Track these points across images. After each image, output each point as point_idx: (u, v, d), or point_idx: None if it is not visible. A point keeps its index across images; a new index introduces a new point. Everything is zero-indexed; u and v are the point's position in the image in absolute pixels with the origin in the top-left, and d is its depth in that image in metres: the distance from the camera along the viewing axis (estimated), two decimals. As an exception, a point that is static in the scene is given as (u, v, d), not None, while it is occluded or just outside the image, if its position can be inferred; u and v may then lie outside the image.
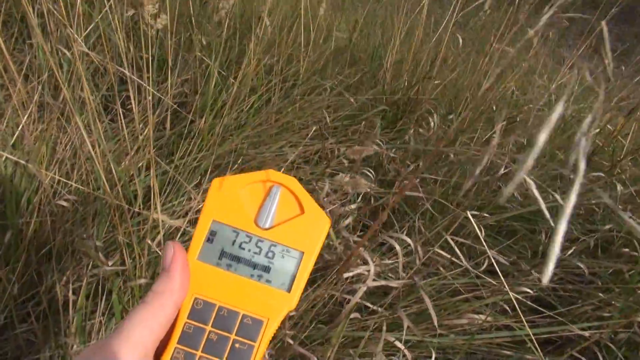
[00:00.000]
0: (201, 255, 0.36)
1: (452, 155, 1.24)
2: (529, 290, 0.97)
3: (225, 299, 0.36)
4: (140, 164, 1.25)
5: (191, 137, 1.28)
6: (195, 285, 0.36)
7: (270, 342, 0.39)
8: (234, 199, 0.37)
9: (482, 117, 1.51)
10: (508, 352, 1.10)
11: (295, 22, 1.64)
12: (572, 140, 1.98)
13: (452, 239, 1.22)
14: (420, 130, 1.49)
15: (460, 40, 1.42)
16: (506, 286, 0.95)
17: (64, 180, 0.95)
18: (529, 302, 1.06)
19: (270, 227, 0.37)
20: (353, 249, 1.16)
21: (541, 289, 1.11)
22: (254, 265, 0.37)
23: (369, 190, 0.83)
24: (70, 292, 1.02)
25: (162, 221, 0.94)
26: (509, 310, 1.17)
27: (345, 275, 1.06)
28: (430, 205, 1.19)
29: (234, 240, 0.37)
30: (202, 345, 0.35)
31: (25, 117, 1.17)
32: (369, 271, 1.06)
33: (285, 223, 0.37)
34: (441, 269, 1.16)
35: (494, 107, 1.76)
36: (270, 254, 0.37)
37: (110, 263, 0.96)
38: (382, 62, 1.86)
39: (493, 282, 1.02)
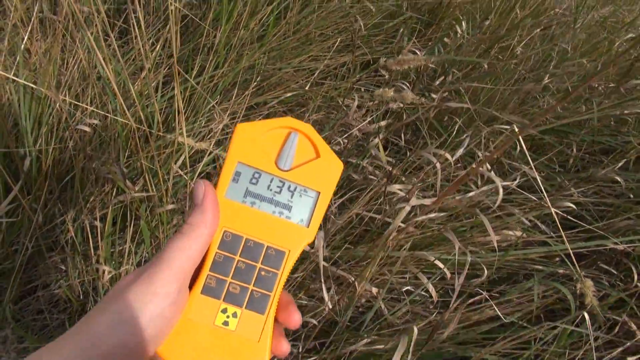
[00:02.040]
0: (228, 193, 0.39)
1: (485, 66, 1.16)
2: (571, 204, 0.94)
3: (251, 232, 0.39)
4: (154, 82, 1.17)
5: (206, 52, 1.19)
6: (224, 219, 0.39)
7: (291, 271, 0.41)
8: (257, 143, 0.40)
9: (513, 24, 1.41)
10: (540, 267, 1.10)
11: None
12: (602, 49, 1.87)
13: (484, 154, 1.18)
14: (447, 40, 1.39)
15: None
16: (547, 201, 0.92)
17: (79, 105, 0.89)
18: (568, 217, 1.04)
19: (290, 169, 0.40)
20: (384, 169, 1.12)
21: (577, 203, 1.08)
22: (276, 203, 0.40)
23: (409, 103, 0.77)
24: (98, 219, 1.00)
25: (188, 145, 0.88)
26: (540, 226, 1.15)
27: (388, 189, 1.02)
28: (462, 119, 1.13)
29: (257, 181, 0.40)
30: (231, 272, 0.38)
31: (26, 35, 1.08)
32: (403, 190, 1.03)
33: (303, 166, 0.41)
34: (472, 186, 1.12)
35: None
36: (290, 194, 0.40)
37: (135, 189, 0.92)
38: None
39: (532, 197, 0.99)
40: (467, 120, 1.22)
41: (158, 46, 1.21)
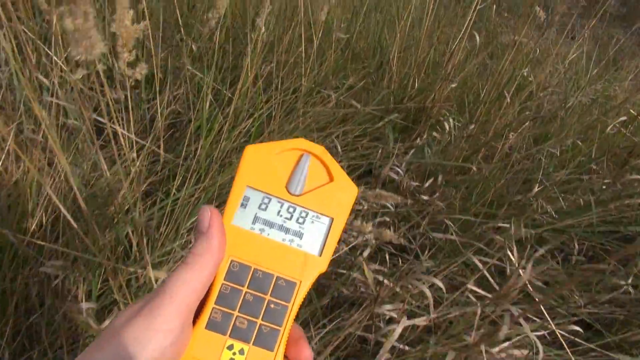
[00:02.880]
0: (236, 219, 0.37)
1: (474, 168, 1.13)
2: (577, 328, 0.87)
3: (260, 261, 0.37)
4: (135, 197, 1.14)
5: (188, 164, 1.16)
6: (231, 248, 0.36)
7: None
8: (266, 166, 0.38)
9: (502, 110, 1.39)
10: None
11: (292, 24, 1.51)
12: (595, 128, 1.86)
13: (480, 260, 1.12)
14: (436, 135, 1.37)
15: (478, 38, 1.29)
16: (551, 323, 0.84)
17: (48, 246, 0.84)
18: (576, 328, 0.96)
19: (301, 193, 0.38)
20: (376, 283, 1.05)
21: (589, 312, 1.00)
22: (286, 230, 0.38)
23: (387, 241, 0.72)
24: (66, 354, 0.93)
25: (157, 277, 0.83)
26: (547, 336, 1.07)
27: (377, 311, 0.96)
28: (455, 224, 1.08)
29: (267, 206, 0.38)
30: (239, 305, 0.36)
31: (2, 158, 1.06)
32: (397, 309, 0.96)
33: (315, 190, 0.39)
34: (471, 297, 1.05)
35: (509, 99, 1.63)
36: (301, 220, 0.38)
37: (104, 325, 0.86)
38: (387, 58, 1.73)
39: (535, 317, 0.91)
40: (462, 227, 1.17)
41: (142, 156, 1.19)
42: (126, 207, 1.15)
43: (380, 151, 1.19)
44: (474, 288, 0.91)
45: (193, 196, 1.08)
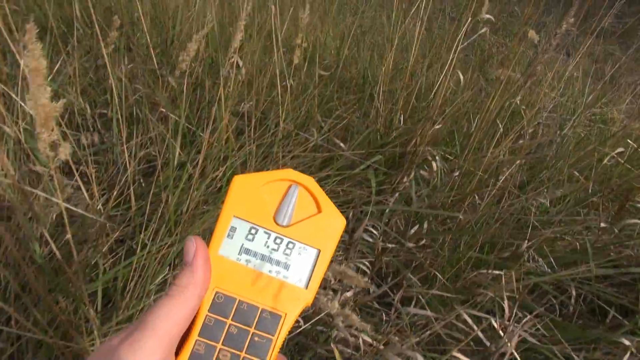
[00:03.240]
0: (222, 250, 0.37)
1: (461, 217, 1.06)
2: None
3: (245, 293, 0.36)
4: (100, 253, 1.07)
5: (157, 215, 1.10)
6: (216, 279, 0.36)
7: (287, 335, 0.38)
8: (254, 197, 0.38)
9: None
10: None
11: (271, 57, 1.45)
12: (590, 157, 1.79)
13: (468, 313, 1.05)
14: (423, 172, 1.30)
15: (462, 77, 1.23)
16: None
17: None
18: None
19: (289, 224, 0.38)
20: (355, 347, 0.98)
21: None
22: (273, 262, 0.37)
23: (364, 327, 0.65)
24: None
25: None
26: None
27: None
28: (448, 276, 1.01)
29: (254, 237, 0.38)
30: (222, 338, 0.35)
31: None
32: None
33: (303, 221, 0.38)
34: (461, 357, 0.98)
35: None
36: (288, 251, 0.38)
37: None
38: (375, 89, 1.67)
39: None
40: (454, 276, 1.09)
41: (107, 207, 1.12)
42: (92, 262, 1.08)
43: (359, 205, 1.12)
44: (460, 356, 0.83)
45: (159, 252, 1.01)
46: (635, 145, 1.62)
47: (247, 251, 0.37)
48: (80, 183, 1.10)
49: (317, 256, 0.38)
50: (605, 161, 1.54)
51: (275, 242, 0.38)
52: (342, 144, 1.33)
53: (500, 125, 1.68)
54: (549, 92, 2.63)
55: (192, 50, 1.14)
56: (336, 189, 1.17)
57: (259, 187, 0.38)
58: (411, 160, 1.24)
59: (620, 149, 1.52)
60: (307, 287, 0.37)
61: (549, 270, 1.08)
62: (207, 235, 1.13)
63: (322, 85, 2.07)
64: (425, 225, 1.10)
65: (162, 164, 1.21)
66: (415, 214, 1.13)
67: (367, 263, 1.00)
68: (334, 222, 0.39)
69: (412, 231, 1.11)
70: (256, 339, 0.36)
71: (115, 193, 1.19)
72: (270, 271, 0.37)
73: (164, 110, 1.22)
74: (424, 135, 1.20)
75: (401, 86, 1.41)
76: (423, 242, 1.11)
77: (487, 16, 1.20)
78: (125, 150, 1.06)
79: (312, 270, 0.38)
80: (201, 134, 1.25)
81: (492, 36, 3.97)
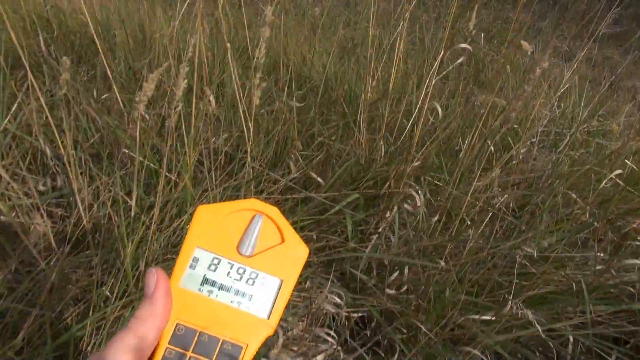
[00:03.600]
0: (184, 281, 0.37)
1: (442, 263, 0.97)
2: None
3: (206, 324, 0.36)
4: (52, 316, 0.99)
5: (115, 270, 1.01)
6: (177, 310, 0.36)
7: None
8: (218, 227, 0.38)
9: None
10: None
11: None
12: (587, 178, 1.70)
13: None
14: (408, 207, 1.22)
15: (439, 110, 1.15)
16: None
17: None
18: None
19: (252, 255, 0.38)
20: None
21: None
22: (235, 292, 0.37)
23: None
24: None
25: None
26: None
27: None
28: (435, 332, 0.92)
29: (216, 267, 0.37)
30: None
31: None
32: None
33: (266, 251, 0.38)
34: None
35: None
36: (250, 281, 0.38)
37: None
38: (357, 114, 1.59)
39: None
40: (440, 320, 1.01)
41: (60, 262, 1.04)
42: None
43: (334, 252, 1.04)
44: None
45: (114, 314, 0.93)
46: (634, 166, 1.53)
47: (210, 282, 0.37)
48: (41, 228, 1.03)
49: (280, 286, 0.38)
50: (603, 184, 1.45)
51: (238, 272, 0.37)
52: (319, 179, 1.25)
53: (491, 146, 1.60)
54: (545, 102, 2.55)
55: (149, 90, 1.06)
56: (309, 234, 1.09)
57: (223, 217, 0.38)
58: (389, 196, 1.16)
59: (618, 171, 1.43)
60: (269, 317, 0.37)
61: (542, 320, 0.99)
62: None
63: (306, 109, 1.99)
64: (407, 271, 1.02)
65: (123, 210, 1.13)
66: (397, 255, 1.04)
67: (332, 333, 0.91)
68: (296, 252, 0.39)
69: (392, 277, 1.03)
70: None
71: (73, 241, 1.12)
72: (232, 302, 0.37)
73: (126, 151, 1.15)
74: (402, 174, 1.12)
75: (382, 113, 1.32)
76: (405, 288, 1.03)
77: (464, 45, 1.12)
78: (78, 201, 0.98)
79: (275, 300, 0.37)
80: (167, 175, 1.18)
81: (486, 44, 3.89)
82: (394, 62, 1.41)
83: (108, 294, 1.02)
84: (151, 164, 1.15)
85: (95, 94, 1.60)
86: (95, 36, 1.17)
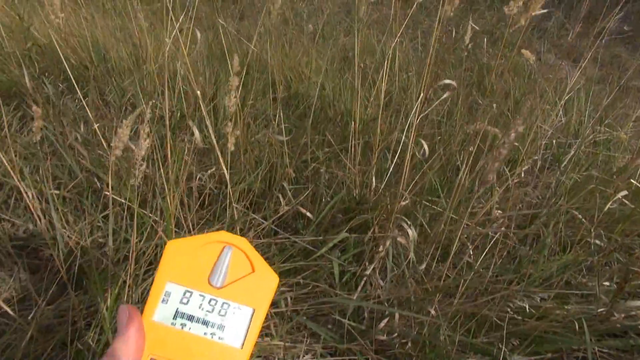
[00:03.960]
0: (156, 315, 0.37)
1: (432, 312, 0.92)
2: None
3: (180, 357, 0.36)
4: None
5: (95, 324, 0.98)
6: (150, 345, 0.36)
7: None
8: (188, 260, 0.38)
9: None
10: None
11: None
12: (593, 196, 1.63)
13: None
14: (401, 240, 1.17)
15: (426, 148, 1.10)
16: None
17: None
18: None
19: (223, 286, 0.38)
20: None
21: None
22: (208, 324, 0.37)
23: None
24: None
25: None
26: None
27: None
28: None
29: (188, 300, 0.37)
30: None
31: None
32: None
33: (237, 282, 0.39)
34: None
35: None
36: (222, 312, 0.38)
37: None
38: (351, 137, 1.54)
39: None
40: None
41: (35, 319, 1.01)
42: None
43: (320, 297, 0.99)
44: None
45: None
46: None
47: (182, 315, 0.37)
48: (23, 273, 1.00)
49: (252, 315, 0.38)
50: (608, 205, 1.39)
51: (210, 304, 0.38)
52: (309, 214, 1.21)
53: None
54: (550, 108, 2.48)
55: (124, 136, 1.03)
56: (290, 281, 1.04)
57: (193, 251, 0.39)
58: (381, 230, 1.11)
59: (623, 192, 1.36)
60: (242, 346, 0.37)
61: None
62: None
63: (301, 130, 1.95)
64: (397, 317, 0.97)
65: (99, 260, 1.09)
66: (386, 302, 0.99)
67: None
68: (267, 281, 0.39)
69: (383, 324, 0.98)
70: None
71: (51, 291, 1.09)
72: (205, 333, 0.37)
73: (107, 193, 1.11)
74: (391, 211, 1.07)
75: (375, 141, 1.28)
76: (395, 334, 0.98)
77: (449, 81, 1.07)
78: (57, 249, 0.95)
79: (247, 329, 0.37)
80: (150, 216, 1.14)
81: (490, 47, 3.81)
82: (380, 84, 1.36)
83: (90, 342, 0.99)
84: (132, 205, 1.12)
85: (81, 126, 1.57)
86: (88, 60, 1.13)
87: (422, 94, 0.93)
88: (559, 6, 4.69)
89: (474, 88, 3.09)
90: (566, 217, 1.53)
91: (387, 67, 1.29)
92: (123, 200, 1.13)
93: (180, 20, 1.25)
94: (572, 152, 1.84)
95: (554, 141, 2.07)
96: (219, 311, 0.38)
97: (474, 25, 1.52)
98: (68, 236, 1.12)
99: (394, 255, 1.17)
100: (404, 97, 2.43)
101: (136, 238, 1.14)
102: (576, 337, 1.00)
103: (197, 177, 1.24)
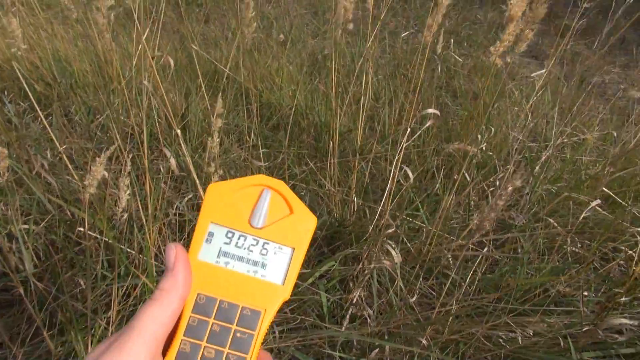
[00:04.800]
0: (201, 254, 0.38)
1: (424, 342, 0.92)
2: None
3: (225, 293, 0.38)
4: None
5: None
6: (197, 282, 0.37)
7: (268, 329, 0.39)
8: (229, 202, 0.40)
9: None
10: None
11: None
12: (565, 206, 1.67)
13: None
14: (385, 262, 1.16)
15: (410, 175, 1.10)
16: None
17: None
18: None
19: (263, 226, 0.40)
20: None
21: None
22: (250, 262, 0.39)
23: None
24: None
25: None
26: None
27: None
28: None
29: (231, 240, 0.39)
30: (206, 336, 0.36)
31: None
32: None
33: (276, 223, 0.40)
34: None
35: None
36: (264, 251, 0.39)
37: None
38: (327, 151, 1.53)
39: None
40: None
41: None
42: None
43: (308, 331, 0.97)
44: None
45: None
46: (612, 193, 1.50)
47: (226, 254, 0.39)
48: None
49: (292, 254, 0.39)
50: (584, 214, 1.42)
51: (251, 243, 0.39)
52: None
53: (467, 178, 1.56)
54: (519, 109, 2.52)
55: (98, 174, 0.98)
56: (278, 314, 1.02)
57: (233, 194, 0.40)
58: (367, 257, 1.10)
59: (597, 202, 1.40)
60: (283, 283, 0.38)
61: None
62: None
63: (276, 143, 1.92)
64: (387, 348, 0.96)
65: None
66: (377, 333, 0.99)
67: None
68: (305, 222, 0.40)
69: (373, 354, 0.97)
70: (238, 335, 0.37)
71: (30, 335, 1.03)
72: (248, 271, 0.38)
73: (81, 229, 1.07)
74: (376, 238, 1.06)
75: (354, 163, 1.26)
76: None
77: (432, 111, 1.06)
78: (29, 292, 0.90)
79: (288, 268, 0.39)
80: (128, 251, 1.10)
81: (456, 47, 3.86)
82: (362, 99, 1.35)
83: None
84: (109, 240, 1.08)
85: (48, 152, 1.51)
86: (50, 77, 1.08)
87: (406, 126, 0.92)
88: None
89: (443, 90, 3.12)
90: (541, 224, 1.56)
91: (363, 82, 1.28)
92: (98, 236, 1.09)
93: (147, 31, 1.21)
94: (543, 158, 1.87)
95: (524, 146, 2.10)
96: (260, 250, 0.39)
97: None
98: (39, 277, 1.07)
99: (379, 276, 1.16)
100: (376, 105, 2.44)
101: (115, 280, 1.10)
102: (562, 353, 1.02)
103: (175, 206, 1.20)
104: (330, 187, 1.31)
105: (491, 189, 1.72)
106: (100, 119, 1.81)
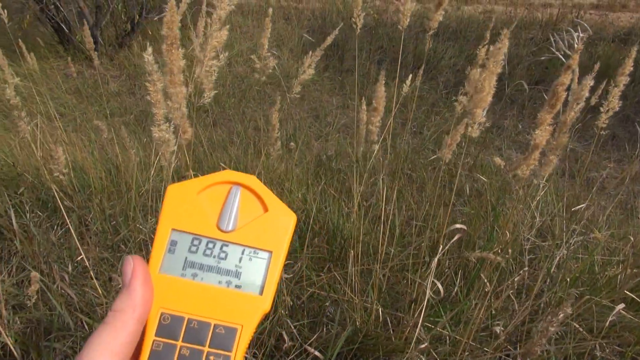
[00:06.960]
0: (163, 267, 0.34)
1: None
2: None
3: (194, 310, 0.33)
4: None
5: None
6: (160, 299, 0.33)
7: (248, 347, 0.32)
8: (193, 205, 0.35)
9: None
10: None
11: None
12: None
13: None
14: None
15: (441, 289, 1.11)
16: None
17: None
18: None
19: (234, 229, 0.35)
20: None
21: None
22: (222, 272, 0.34)
23: None
24: None
25: None
26: None
27: None
28: None
29: (197, 248, 0.35)
30: None
31: None
32: None
33: (250, 224, 0.35)
34: None
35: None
36: (237, 258, 0.35)
37: None
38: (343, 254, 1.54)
39: None
40: None
41: None
42: None
43: None
44: None
45: None
46: (635, 297, 1.49)
47: (192, 264, 0.34)
48: None
49: (270, 258, 0.35)
50: (610, 318, 1.39)
51: (222, 250, 0.35)
52: (317, 354, 1.16)
53: (488, 284, 1.55)
54: (524, 208, 2.56)
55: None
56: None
57: (197, 194, 0.35)
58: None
59: (621, 305, 1.38)
60: (262, 293, 0.34)
61: None
62: None
63: (290, 249, 1.93)
64: None
65: None
66: None
67: None
68: (283, 220, 0.36)
69: None
70: (212, 357, 0.32)
71: None
72: (220, 282, 0.34)
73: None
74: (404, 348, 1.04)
75: (376, 275, 1.27)
76: None
77: (460, 226, 1.10)
78: None
79: (266, 275, 0.34)
80: None
81: (457, 149, 3.98)
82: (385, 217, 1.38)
83: None
84: None
85: (69, 264, 1.51)
86: (70, 187, 1.11)
87: (437, 239, 0.95)
88: (512, 106, 5.03)
89: (447, 188, 3.19)
90: (567, 329, 1.52)
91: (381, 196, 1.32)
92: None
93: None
94: (557, 259, 1.88)
95: (535, 245, 2.12)
96: (233, 257, 0.34)
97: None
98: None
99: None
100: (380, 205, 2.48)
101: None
102: None
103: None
104: (351, 295, 1.30)
105: (509, 292, 1.70)
106: (121, 234, 1.83)
